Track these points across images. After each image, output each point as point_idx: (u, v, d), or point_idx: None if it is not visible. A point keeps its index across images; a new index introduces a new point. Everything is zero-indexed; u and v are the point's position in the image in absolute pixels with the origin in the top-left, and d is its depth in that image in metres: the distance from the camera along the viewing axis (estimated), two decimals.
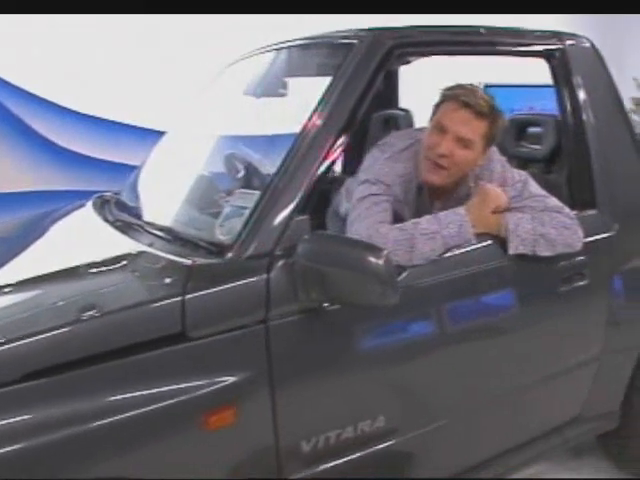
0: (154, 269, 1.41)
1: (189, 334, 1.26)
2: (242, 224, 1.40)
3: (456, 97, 1.58)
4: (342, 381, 1.44)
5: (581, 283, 1.80)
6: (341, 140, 1.47)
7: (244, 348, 1.31)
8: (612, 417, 2.07)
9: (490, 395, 1.73)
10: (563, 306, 1.81)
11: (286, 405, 1.36)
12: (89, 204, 2.05)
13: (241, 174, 2.09)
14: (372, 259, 1.24)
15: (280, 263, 1.34)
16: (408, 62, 2.35)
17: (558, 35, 1.90)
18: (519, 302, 1.72)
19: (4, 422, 1.09)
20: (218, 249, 1.40)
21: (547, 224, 1.62)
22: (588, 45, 1.96)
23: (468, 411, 1.69)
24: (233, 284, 1.31)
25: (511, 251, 1.61)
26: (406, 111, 2.69)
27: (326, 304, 1.37)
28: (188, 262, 1.35)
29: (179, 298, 1.26)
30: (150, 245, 1.52)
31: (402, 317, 1.50)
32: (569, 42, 1.90)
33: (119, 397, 1.18)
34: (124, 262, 1.48)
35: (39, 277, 1.46)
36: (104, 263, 1.51)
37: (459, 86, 1.62)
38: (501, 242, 1.63)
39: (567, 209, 1.67)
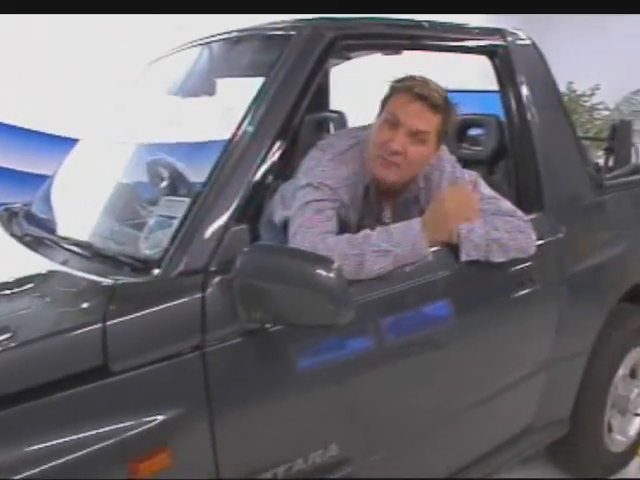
0: (69, 291, 1.22)
1: (112, 367, 1.07)
2: (171, 236, 1.23)
3: (409, 89, 1.46)
4: (289, 409, 1.29)
5: (532, 289, 1.73)
6: (280, 142, 1.32)
7: (178, 379, 1.14)
8: (562, 424, 2.02)
9: (446, 411, 1.62)
10: (515, 313, 1.73)
11: (228, 440, 1.20)
12: None
13: (165, 182, 1.91)
14: (322, 272, 1.10)
15: (216, 280, 1.18)
16: (349, 58, 2.24)
17: (501, 32, 1.83)
18: (472, 312, 1.62)
19: None
20: (144, 266, 1.22)
21: (500, 228, 1.53)
22: (529, 42, 1.90)
23: (424, 430, 1.58)
24: (162, 306, 1.14)
25: (463, 257, 1.51)
26: (339, 113, 2.59)
27: (270, 325, 1.22)
28: (109, 282, 1.16)
29: (99, 325, 1.07)
30: (64, 263, 1.32)
31: (351, 336, 1.36)
32: (511, 39, 1.83)
33: (30, 448, 0.98)
34: (33, 284, 1.28)
35: None
36: (9, 285, 1.30)
37: (411, 77, 1.50)
38: (452, 248, 1.53)
39: (520, 212, 1.58)
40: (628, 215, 2.15)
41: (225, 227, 1.21)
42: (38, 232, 1.58)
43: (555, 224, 1.82)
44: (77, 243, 1.39)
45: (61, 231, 1.55)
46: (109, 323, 1.08)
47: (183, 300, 1.15)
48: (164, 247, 1.22)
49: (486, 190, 1.59)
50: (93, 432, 1.04)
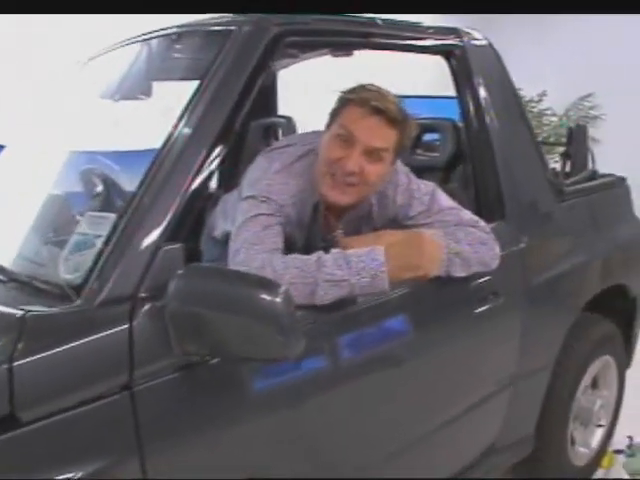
0: None
1: (21, 416, 0.91)
2: (94, 258, 1.07)
3: (365, 101, 1.31)
4: (232, 450, 1.14)
5: (495, 303, 1.63)
6: (219, 149, 1.18)
7: (103, 426, 0.98)
8: (528, 442, 1.93)
9: (407, 436, 1.50)
10: (479, 330, 1.63)
11: None
12: None
13: (99, 193, 1.74)
14: (267, 297, 0.96)
15: (146, 308, 1.03)
16: (295, 57, 2.10)
17: (456, 31, 1.73)
18: (433, 330, 1.51)
19: None
20: (63, 293, 1.05)
21: (462, 241, 1.41)
22: (486, 43, 1.81)
23: (382, 457, 1.45)
24: (83, 341, 0.97)
25: None
26: (288, 119, 2.45)
27: (209, 358, 1.07)
28: (18, 313, 0.99)
29: (4, 366, 0.91)
30: None
31: (302, 361, 1.21)
32: (468, 39, 1.74)
33: None
34: None
35: None
36: None
37: (364, 88, 1.35)
38: None
39: (482, 222, 1.48)
40: (588, 222, 2.09)
41: (156, 246, 1.06)
42: None
43: (517, 233, 1.73)
44: None
45: None
46: (17, 364, 0.91)
47: (107, 333, 0.99)
48: (86, 271, 1.06)
49: (445, 201, 1.48)
50: None
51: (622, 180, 2.38)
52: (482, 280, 1.57)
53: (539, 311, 1.81)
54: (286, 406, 1.20)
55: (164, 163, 1.11)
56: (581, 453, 2.19)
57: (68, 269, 1.10)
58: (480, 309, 1.60)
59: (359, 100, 1.33)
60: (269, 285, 0.98)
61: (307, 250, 1.46)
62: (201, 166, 1.13)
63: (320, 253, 1.24)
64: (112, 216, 1.11)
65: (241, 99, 1.23)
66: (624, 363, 2.37)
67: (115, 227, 1.07)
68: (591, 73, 5.71)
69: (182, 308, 0.99)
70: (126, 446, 0.99)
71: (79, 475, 0.93)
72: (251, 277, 1.03)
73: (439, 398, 1.58)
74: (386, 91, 1.35)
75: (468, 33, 1.77)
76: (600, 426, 2.28)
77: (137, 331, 1.00)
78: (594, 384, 2.24)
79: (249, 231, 1.28)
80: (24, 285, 1.14)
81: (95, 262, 1.05)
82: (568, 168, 2.45)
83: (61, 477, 0.92)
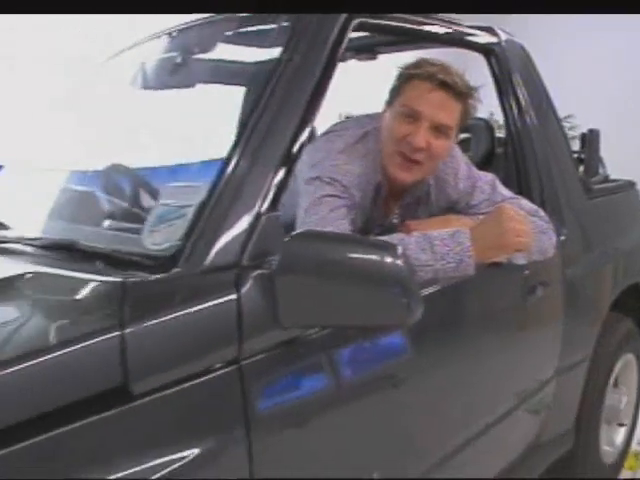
0: (60, 293, 0.96)
1: (133, 388, 0.83)
2: (187, 226, 0.99)
3: (431, 76, 1.30)
4: (335, 430, 1.08)
5: (543, 293, 1.63)
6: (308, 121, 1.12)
7: (212, 402, 0.91)
8: (569, 436, 1.92)
9: (454, 442, 1.43)
10: (529, 321, 1.62)
11: (267, 467, 0.97)
12: None
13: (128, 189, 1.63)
14: (388, 260, 0.91)
15: (252, 277, 0.96)
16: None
17: (492, 30, 1.76)
18: (486, 321, 1.50)
19: None
20: (155, 262, 0.97)
21: None
22: (518, 42, 1.85)
23: (439, 459, 1.38)
24: (191, 309, 0.90)
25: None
26: None
27: (316, 330, 1.01)
28: (117, 281, 0.92)
29: (115, 333, 0.83)
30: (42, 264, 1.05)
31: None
32: (504, 38, 1.76)
33: None
34: (10, 289, 1.00)
35: None
36: None
37: (427, 62, 1.34)
38: None
39: (542, 211, 1.47)
40: (612, 220, 2.13)
41: (257, 214, 1.00)
42: None
43: (557, 226, 1.74)
44: (54, 243, 1.11)
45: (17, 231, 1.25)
46: (128, 330, 0.84)
47: (215, 302, 0.92)
48: (180, 239, 0.98)
49: (505, 191, 1.48)
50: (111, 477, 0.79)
51: (632, 184, 2.44)
52: (531, 270, 1.56)
53: (577, 303, 1.81)
54: (391, 386, 1.15)
55: (262, 119, 1.06)
56: (607, 452, 2.18)
57: (155, 240, 1.04)
58: (530, 299, 1.59)
59: (426, 75, 1.31)
60: (387, 247, 0.93)
61: (364, 235, 1.43)
62: (294, 135, 1.09)
63: (401, 235, 1.20)
64: (205, 185, 1.05)
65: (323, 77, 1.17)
66: None
67: (211, 194, 1.01)
68: (571, 94, 5.86)
69: (293, 277, 0.94)
70: (234, 426, 0.92)
71: (192, 455, 0.86)
72: (365, 240, 0.99)
73: (488, 396, 1.55)
74: (448, 64, 1.35)
75: (502, 32, 1.80)
76: (622, 425, 2.28)
77: (245, 301, 0.94)
78: (615, 383, 2.25)
79: (317, 214, 1.23)
80: (92, 258, 1.03)
81: (190, 230, 0.98)
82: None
83: (172, 456, 0.85)
